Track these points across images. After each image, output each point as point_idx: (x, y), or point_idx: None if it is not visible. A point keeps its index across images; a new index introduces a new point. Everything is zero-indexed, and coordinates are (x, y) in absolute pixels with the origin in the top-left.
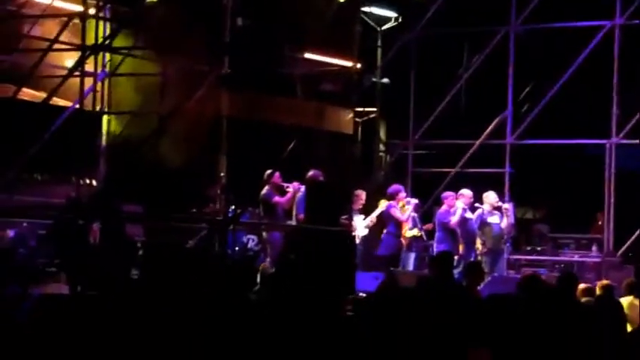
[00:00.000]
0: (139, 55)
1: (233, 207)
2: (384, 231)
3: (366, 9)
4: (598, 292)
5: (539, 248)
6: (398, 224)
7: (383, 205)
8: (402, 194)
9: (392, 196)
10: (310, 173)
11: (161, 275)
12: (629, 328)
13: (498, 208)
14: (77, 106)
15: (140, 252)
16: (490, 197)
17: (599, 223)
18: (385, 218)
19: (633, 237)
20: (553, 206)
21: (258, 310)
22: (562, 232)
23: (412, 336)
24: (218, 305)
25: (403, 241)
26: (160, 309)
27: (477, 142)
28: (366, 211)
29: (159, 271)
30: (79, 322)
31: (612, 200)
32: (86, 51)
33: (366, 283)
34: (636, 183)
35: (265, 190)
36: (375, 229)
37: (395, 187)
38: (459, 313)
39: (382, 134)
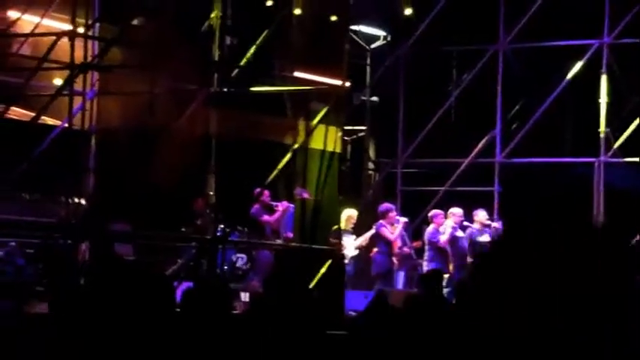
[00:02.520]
0: (128, 73)
1: (222, 226)
2: (375, 250)
3: (355, 27)
4: None
5: None
6: (388, 243)
7: (373, 226)
8: (393, 213)
9: (382, 215)
10: (296, 190)
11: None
12: None
13: (488, 227)
14: (66, 124)
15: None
16: (480, 216)
17: None
18: (375, 237)
19: None
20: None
21: (245, 329)
22: None
23: (401, 355)
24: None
25: (394, 259)
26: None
27: (466, 161)
28: (355, 230)
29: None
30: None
31: (601, 218)
32: (75, 69)
33: (356, 302)
34: (624, 201)
35: (254, 208)
36: (364, 249)
37: (386, 205)
38: (448, 331)
39: (371, 153)
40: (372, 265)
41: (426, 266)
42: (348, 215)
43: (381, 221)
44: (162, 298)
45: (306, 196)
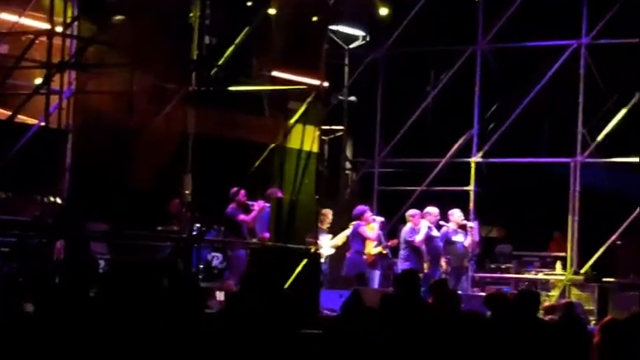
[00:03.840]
0: (106, 72)
1: (198, 225)
2: (350, 250)
3: (333, 27)
4: (561, 310)
5: (503, 266)
6: (364, 242)
7: (351, 226)
8: (368, 214)
9: (358, 217)
10: (269, 190)
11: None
12: None
13: (463, 227)
14: (43, 123)
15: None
16: (455, 215)
17: (555, 241)
18: (352, 237)
19: (596, 255)
20: (516, 224)
21: (220, 328)
22: (526, 250)
23: (377, 354)
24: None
25: (367, 258)
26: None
27: (443, 161)
28: (331, 229)
29: (117, 289)
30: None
31: (577, 218)
32: (52, 68)
33: (331, 301)
34: (599, 201)
35: (230, 207)
36: (340, 249)
37: (360, 208)
38: (424, 331)
39: (349, 152)
40: (346, 265)
41: (400, 265)
42: (323, 214)
43: (358, 222)
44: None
45: (279, 195)
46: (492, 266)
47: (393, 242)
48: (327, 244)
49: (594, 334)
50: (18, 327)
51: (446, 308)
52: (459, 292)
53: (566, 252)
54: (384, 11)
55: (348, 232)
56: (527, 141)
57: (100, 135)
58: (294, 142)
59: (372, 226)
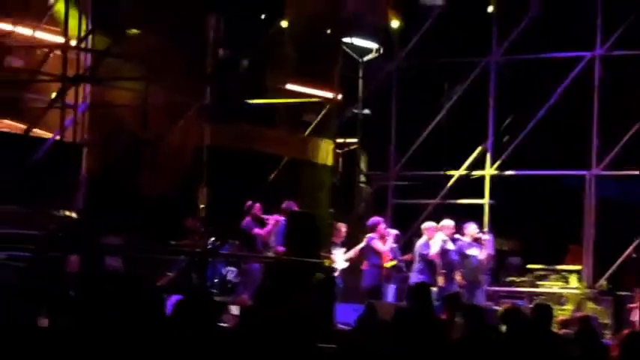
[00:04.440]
0: (121, 85)
1: (213, 238)
2: (365, 263)
3: (347, 40)
4: (577, 324)
5: (518, 280)
6: (379, 256)
7: (364, 239)
8: (382, 226)
9: (372, 229)
10: (284, 204)
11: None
12: None
13: (478, 240)
14: (58, 137)
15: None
16: (470, 229)
17: (571, 253)
18: (366, 251)
19: (612, 269)
20: (531, 237)
21: (235, 343)
22: (541, 263)
23: None
24: (189, 338)
25: (383, 272)
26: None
27: (457, 173)
28: (347, 243)
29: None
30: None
31: (592, 232)
32: (66, 82)
33: (345, 315)
34: (614, 214)
35: (245, 221)
36: (354, 262)
37: (374, 219)
38: (437, 345)
39: (363, 165)
40: (363, 279)
41: (414, 278)
42: (337, 228)
43: (371, 234)
44: (151, 310)
45: (294, 208)
46: (506, 280)
47: (407, 257)
48: (340, 258)
49: (611, 347)
50: (32, 342)
51: (469, 323)
52: None
53: (581, 265)
54: (395, 24)
55: (361, 245)
56: (541, 153)
57: (115, 148)
58: (308, 155)
59: (385, 239)
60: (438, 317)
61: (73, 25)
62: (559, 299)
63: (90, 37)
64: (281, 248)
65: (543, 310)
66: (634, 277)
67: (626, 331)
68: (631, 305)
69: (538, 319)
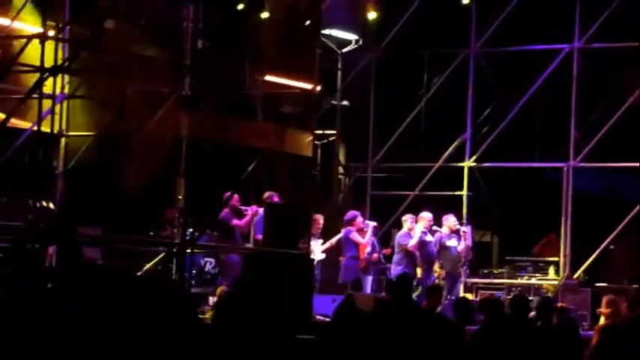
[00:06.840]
0: (99, 76)
1: (191, 230)
2: (344, 256)
3: (326, 31)
4: (555, 314)
5: (496, 271)
6: (357, 248)
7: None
8: (359, 219)
9: (349, 223)
10: (265, 194)
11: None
12: None
13: (456, 232)
14: (35, 128)
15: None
16: (449, 221)
17: (549, 241)
18: (344, 243)
19: (589, 260)
20: (509, 229)
21: (212, 334)
22: (519, 255)
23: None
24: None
25: (361, 263)
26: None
27: (436, 165)
28: (325, 234)
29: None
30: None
31: (569, 223)
32: (44, 73)
33: (324, 306)
34: (591, 206)
35: (224, 212)
36: (332, 254)
37: (351, 213)
38: (418, 335)
39: (341, 157)
40: (341, 271)
41: (393, 269)
42: (314, 219)
43: (348, 227)
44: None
45: (275, 200)
46: (485, 271)
47: (386, 251)
48: (318, 250)
49: (591, 337)
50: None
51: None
52: (453, 297)
53: (559, 256)
54: (372, 15)
55: (338, 237)
56: (520, 145)
57: (92, 139)
58: (286, 147)
59: (364, 231)
60: (419, 308)
61: (51, 16)
62: (537, 291)
63: (68, 28)
64: (260, 236)
65: (521, 300)
66: (610, 268)
67: (603, 323)
68: (600, 310)
69: (516, 310)
